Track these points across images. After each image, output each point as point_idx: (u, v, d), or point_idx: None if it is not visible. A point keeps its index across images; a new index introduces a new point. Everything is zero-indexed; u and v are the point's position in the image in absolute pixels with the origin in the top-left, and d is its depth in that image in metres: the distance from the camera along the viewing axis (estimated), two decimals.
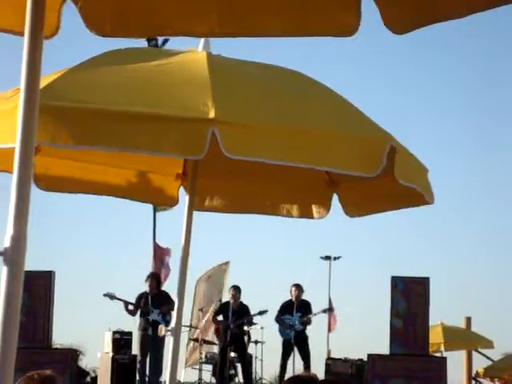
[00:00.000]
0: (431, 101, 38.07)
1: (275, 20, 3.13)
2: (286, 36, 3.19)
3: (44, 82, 3.45)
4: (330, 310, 17.07)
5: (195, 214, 5.34)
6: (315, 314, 15.31)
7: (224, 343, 14.96)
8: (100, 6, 3.12)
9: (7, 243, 2.51)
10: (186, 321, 15.76)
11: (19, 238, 2.51)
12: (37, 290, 14.43)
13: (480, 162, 35.98)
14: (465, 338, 21.08)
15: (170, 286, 16.17)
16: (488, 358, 20.71)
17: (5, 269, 2.51)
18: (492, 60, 36.49)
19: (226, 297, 16.44)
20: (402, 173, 4.15)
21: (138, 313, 14.87)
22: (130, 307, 14.81)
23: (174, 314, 5.32)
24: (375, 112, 4.76)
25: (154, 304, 14.62)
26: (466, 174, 36.35)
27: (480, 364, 20.76)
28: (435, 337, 18.92)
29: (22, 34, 2.64)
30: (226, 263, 20.32)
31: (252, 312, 15.28)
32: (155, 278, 15.24)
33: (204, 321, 18.02)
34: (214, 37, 4.25)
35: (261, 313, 15.19)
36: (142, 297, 14.80)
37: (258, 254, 35.92)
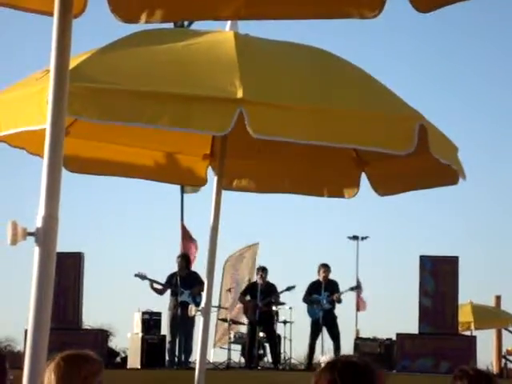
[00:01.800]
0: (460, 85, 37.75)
1: (300, 2, 3.11)
2: (311, 18, 3.18)
3: (72, 63, 3.45)
4: (357, 287, 17.03)
5: (223, 194, 5.34)
6: (343, 293, 15.31)
7: (253, 323, 15.01)
8: None
9: (39, 224, 2.53)
10: (214, 301, 15.82)
11: (51, 218, 2.52)
12: (66, 272, 14.53)
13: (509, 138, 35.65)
14: (494, 316, 21.00)
15: (199, 267, 16.23)
16: None
17: (37, 249, 2.52)
18: None
19: (254, 278, 16.47)
20: (437, 149, 4.13)
21: (169, 293, 14.94)
22: (158, 286, 14.87)
23: (204, 294, 5.34)
24: (403, 91, 4.72)
25: (184, 284, 14.67)
26: (495, 150, 36.06)
27: (510, 342, 20.69)
28: (465, 316, 18.86)
29: (51, 13, 2.64)
30: (255, 244, 20.34)
31: (279, 290, 15.30)
32: (184, 259, 15.29)
33: (232, 301, 18.08)
34: (239, 19, 4.26)
35: (289, 288, 15.21)
36: (172, 277, 14.87)
37: (286, 234, 35.94)
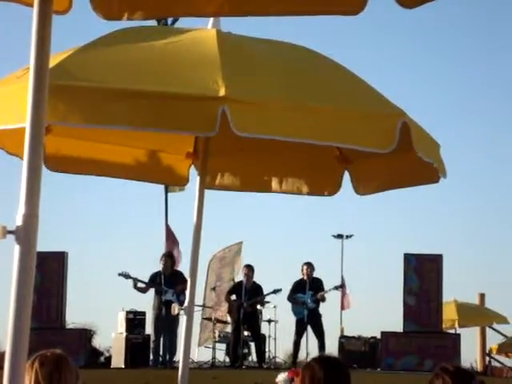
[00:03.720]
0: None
1: None
2: (294, 15, 3.18)
3: (53, 61, 3.43)
4: (341, 286, 17.06)
5: (206, 192, 5.33)
6: (327, 291, 15.34)
7: (237, 322, 15.01)
8: None
9: (19, 222, 2.51)
10: (198, 300, 15.81)
11: (31, 216, 2.51)
12: (50, 271, 14.50)
13: (494, 139, 35.82)
14: (479, 314, 21.09)
15: (182, 266, 16.20)
16: (502, 334, 20.70)
17: (17, 247, 2.51)
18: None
19: (239, 277, 16.48)
20: (420, 147, 4.14)
21: (153, 293, 14.92)
22: (140, 285, 14.85)
23: (187, 292, 5.33)
24: (386, 88, 4.72)
25: (168, 284, 14.67)
26: (479, 148, 36.20)
27: (494, 340, 20.78)
28: (449, 314, 18.93)
29: (31, 4, 2.62)
30: (239, 243, 20.35)
31: (265, 292, 15.31)
32: (169, 258, 15.28)
33: (217, 300, 18.07)
34: (222, 16, 4.25)
35: (275, 291, 15.23)
36: (156, 276, 14.86)
37: (270, 233, 35.95)
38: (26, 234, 2.50)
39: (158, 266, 15.05)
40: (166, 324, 14.48)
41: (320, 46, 4.96)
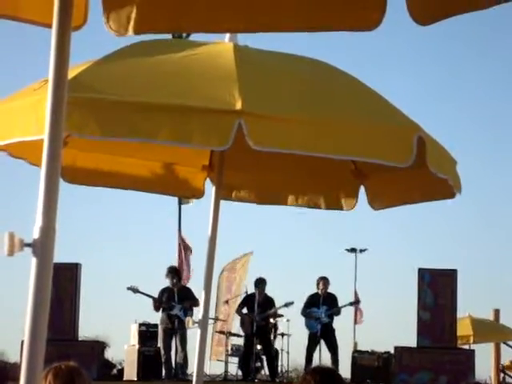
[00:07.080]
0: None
1: (298, 15, 3.11)
2: (309, 31, 3.18)
3: (70, 73, 3.44)
4: (356, 302, 17.05)
5: (220, 204, 5.33)
6: (341, 307, 15.31)
7: (249, 336, 14.97)
8: (123, 3, 3.12)
9: (36, 235, 2.51)
10: (211, 313, 15.80)
11: (48, 229, 2.51)
12: (63, 283, 14.50)
13: (505, 158, 35.70)
14: (493, 330, 20.98)
15: (195, 278, 16.20)
16: None
17: (34, 260, 2.50)
18: None
19: (250, 288, 16.46)
20: (434, 163, 4.12)
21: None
22: (155, 303, 14.86)
23: (201, 305, 5.32)
24: (402, 102, 4.72)
25: (176, 299, 14.65)
26: (493, 162, 36.11)
27: (509, 356, 20.67)
28: (463, 329, 18.84)
29: (49, 25, 2.64)
30: (249, 254, 20.34)
31: (277, 304, 15.28)
32: (175, 274, 15.23)
33: (228, 313, 18.05)
34: (235, 32, 4.26)
35: (287, 305, 15.20)
36: (164, 291, 14.84)
37: (283, 246, 35.92)
38: (42, 246, 2.50)
39: (166, 281, 15.04)
40: (174, 338, 14.51)
41: (334, 58, 4.96)
